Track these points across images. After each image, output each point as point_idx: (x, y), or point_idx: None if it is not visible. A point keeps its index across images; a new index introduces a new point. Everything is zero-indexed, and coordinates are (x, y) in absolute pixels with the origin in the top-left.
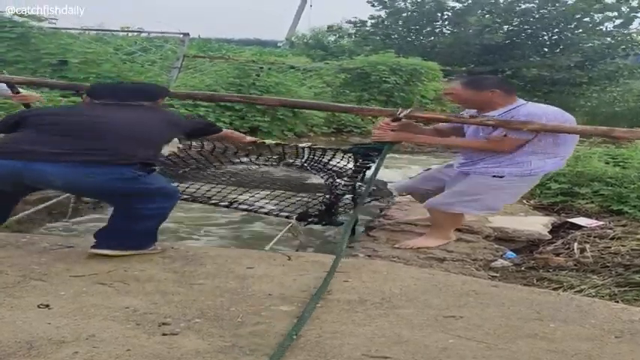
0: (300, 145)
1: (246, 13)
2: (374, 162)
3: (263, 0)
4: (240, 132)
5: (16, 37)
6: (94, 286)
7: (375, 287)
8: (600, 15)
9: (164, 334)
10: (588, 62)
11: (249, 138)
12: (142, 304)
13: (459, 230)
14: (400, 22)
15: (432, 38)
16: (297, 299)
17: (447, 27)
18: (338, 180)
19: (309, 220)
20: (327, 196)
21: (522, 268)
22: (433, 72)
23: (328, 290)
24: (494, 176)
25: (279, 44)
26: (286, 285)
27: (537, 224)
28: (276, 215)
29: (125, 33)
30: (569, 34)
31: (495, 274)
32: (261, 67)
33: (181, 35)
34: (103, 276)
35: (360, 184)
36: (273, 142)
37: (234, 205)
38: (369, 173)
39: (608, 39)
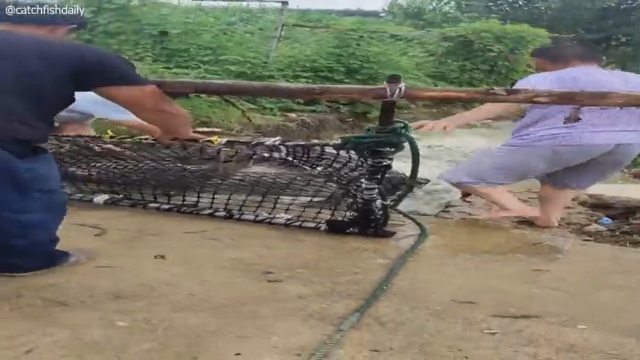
0: (267, 141)
1: None
2: (389, 159)
3: None
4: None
5: (116, 8)
6: (204, 240)
7: (467, 244)
8: None
9: (269, 281)
10: None
11: (191, 134)
12: (248, 256)
13: None
14: None
15: (540, 3)
16: (392, 254)
17: None
18: (359, 179)
19: (351, 229)
20: (353, 200)
21: (617, 233)
22: (541, 39)
23: (422, 247)
24: None
25: (381, 14)
26: (382, 242)
27: (636, 192)
28: (300, 226)
29: (225, 3)
30: None
31: (589, 238)
32: (362, 36)
33: (280, 4)
34: (212, 232)
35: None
36: (224, 140)
37: (237, 216)
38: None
39: None
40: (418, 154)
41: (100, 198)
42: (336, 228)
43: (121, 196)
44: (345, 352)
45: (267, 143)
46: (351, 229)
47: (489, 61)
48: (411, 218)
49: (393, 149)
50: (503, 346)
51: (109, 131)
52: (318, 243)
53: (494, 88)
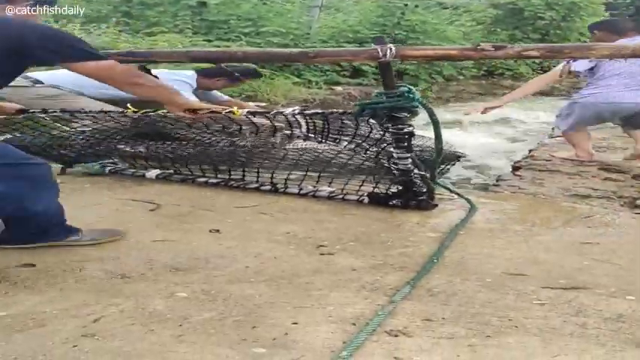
0: (286, 111)
1: None
2: (409, 125)
3: None
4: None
5: None
6: (256, 215)
7: (517, 218)
8: None
9: (322, 254)
10: None
11: (192, 103)
12: (300, 230)
13: (605, 170)
14: None
15: None
16: (442, 227)
17: None
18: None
19: (393, 201)
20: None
21: None
22: (594, 6)
23: (472, 221)
24: None
25: None
26: (432, 216)
27: None
28: (343, 198)
29: None
30: None
31: None
32: (406, 4)
33: None
34: (263, 207)
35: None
36: (244, 111)
37: (282, 189)
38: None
39: None
40: (436, 118)
41: (152, 173)
42: (377, 200)
43: (171, 171)
44: (398, 322)
45: (285, 113)
46: (394, 202)
47: (540, 30)
48: (457, 193)
49: (408, 114)
50: (552, 316)
51: (129, 105)
52: (368, 217)
53: (481, 44)
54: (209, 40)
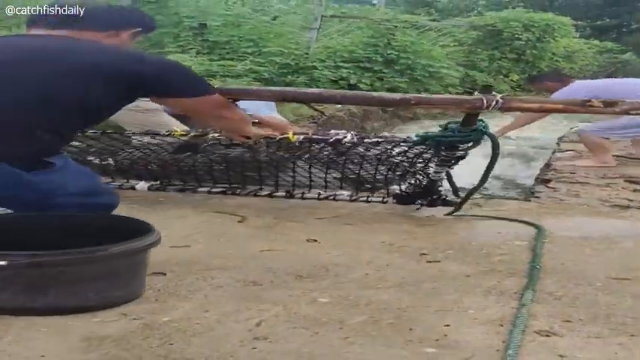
0: (346, 138)
1: None
2: (462, 151)
3: None
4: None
5: (155, 0)
6: (341, 226)
7: (588, 228)
8: None
9: (428, 262)
10: None
11: (256, 131)
12: (393, 239)
13: (631, 182)
14: None
15: None
16: (525, 236)
17: None
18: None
19: (416, 201)
20: (419, 177)
21: None
22: (565, 28)
23: (550, 230)
24: None
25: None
26: (509, 226)
27: None
28: (367, 201)
29: None
30: None
31: None
32: (396, 26)
33: None
34: (343, 218)
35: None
36: (301, 137)
37: (298, 196)
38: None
39: None
40: (498, 152)
41: (143, 184)
42: (403, 201)
43: (157, 182)
44: (541, 323)
45: (345, 140)
46: (420, 202)
47: (516, 50)
48: (522, 221)
49: (471, 144)
50: None
51: (175, 128)
52: (450, 228)
53: (592, 100)
54: (213, 60)
